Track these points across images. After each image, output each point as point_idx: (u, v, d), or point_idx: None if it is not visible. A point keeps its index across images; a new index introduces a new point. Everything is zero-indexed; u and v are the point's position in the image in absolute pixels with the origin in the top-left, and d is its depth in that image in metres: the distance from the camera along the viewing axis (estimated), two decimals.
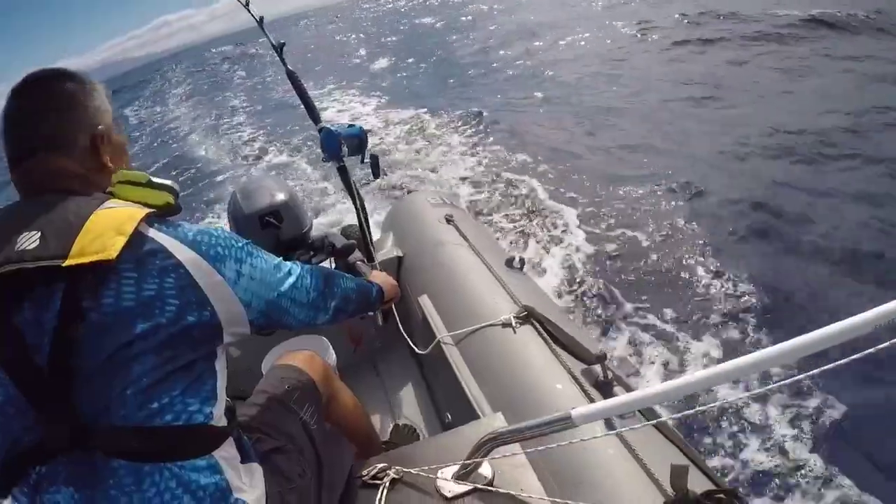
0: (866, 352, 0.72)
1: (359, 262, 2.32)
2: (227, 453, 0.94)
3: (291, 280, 1.13)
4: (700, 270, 4.41)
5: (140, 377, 0.84)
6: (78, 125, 1.01)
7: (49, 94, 1.00)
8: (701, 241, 4.84)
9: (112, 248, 0.83)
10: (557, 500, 1.19)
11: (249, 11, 2.47)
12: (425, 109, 10.82)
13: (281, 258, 1.15)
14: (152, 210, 0.93)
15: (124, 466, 0.83)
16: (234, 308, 0.98)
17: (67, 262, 0.81)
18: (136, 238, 0.87)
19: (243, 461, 0.99)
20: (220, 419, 0.94)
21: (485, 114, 9.60)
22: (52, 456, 0.82)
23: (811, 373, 0.77)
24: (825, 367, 0.74)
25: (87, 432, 0.81)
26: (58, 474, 0.82)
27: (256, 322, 1.04)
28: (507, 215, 5.77)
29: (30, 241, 0.83)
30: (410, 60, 18.40)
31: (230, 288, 0.97)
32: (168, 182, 1.02)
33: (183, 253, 0.91)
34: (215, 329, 0.95)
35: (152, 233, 0.91)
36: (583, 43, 14.59)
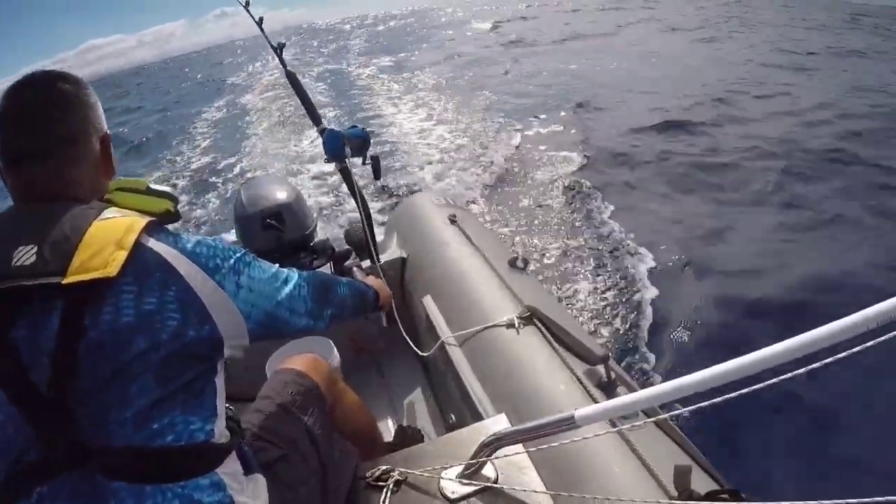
0: (867, 344, 0.71)
1: (355, 268, 2.32)
2: (229, 469, 0.92)
3: (288, 289, 1.11)
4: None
5: (139, 397, 0.81)
6: (90, 127, 0.99)
7: (58, 93, 0.96)
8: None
9: (113, 263, 0.80)
10: (562, 496, 1.19)
11: (248, 12, 2.48)
12: None
13: (278, 265, 1.13)
14: (152, 219, 0.90)
15: (125, 488, 0.80)
16: (234, 320, 0.96)
17: (67, 280, 0.78)
18: (136, 250, 0.84)
19: (246, 473, 0.97)
20: (221, 435, 0.92)
21: None
22: (54, 475, 0.79)
23: (811, 367, 0.76)
24: (827, 361, 0.74)
25: (86, 453, 0.79)
26: (60, 493, 0.80)
27: (255, 333, 1.01)
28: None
29: (26, 255, 0.80)
30: None
31: (231, 300, 0.95)
32: (167, 189, 1.00)
33: (183, 265, 0.88)
34: (216, 343, 0.92)
35: (152, 243, 0.88)
36: None
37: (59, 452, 0.79)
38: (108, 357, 0.80)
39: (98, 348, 0.79)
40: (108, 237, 0.83)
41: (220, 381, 0.95)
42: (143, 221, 0.88)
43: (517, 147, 8.11)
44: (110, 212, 0.89)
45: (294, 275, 1.15)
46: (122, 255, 0.81)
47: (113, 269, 0.80)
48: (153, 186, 0.98)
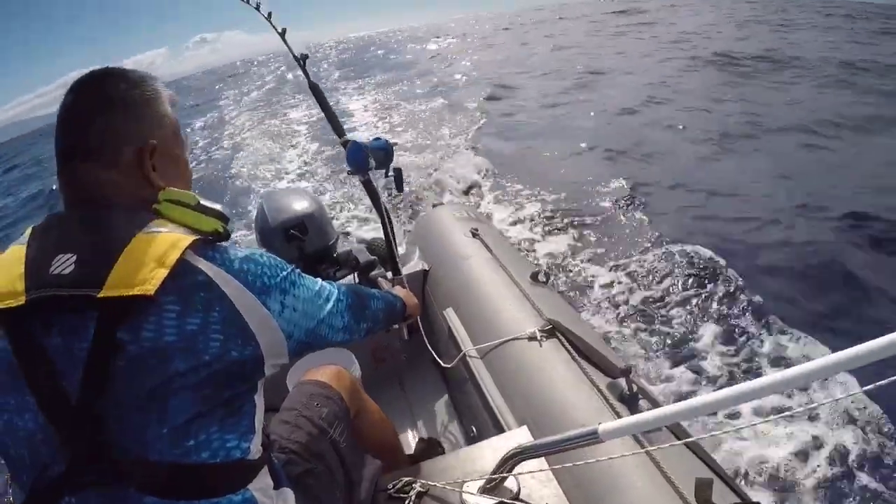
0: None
1: (381, 279, 2.33)
2: (261, 483, 0.91)
3: (329, 306, 1.08)
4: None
5: (177, 414, 0.80)
6: (126, 135, 0.92)
7: (103, 95, 0.92)
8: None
9: (152, 281, 0.78)
10: None
11: (271, 24, 2.50)
12: None
13: (320, 280, 1.11)
14: (198, 238, 0.87)
15: (157, 503, 0.79)
16: (276, 340, 0.93)
17: (103, 294, 0.76)
18: (181, 268, 0.81)
19: (276, 487, 0.96)
20: (256, 452, 0.91)
21: None
22: (81, 487, 0.78)
23: (841, 396, 0.75)
24: (859, 390, 0.73)
25: (116, 466, 0.78)
26: None
27: (294, 350, 0.99)
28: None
29: (65, 264, 0.79)
30: None
31: (274, 320, 0.92)
32: (217, 206, 0.95)
33: (229, 284, 0.86)
34: (258, 363, 0.90)
35: (198, 262, 0.85)
36: None
37: (86, 465, 0.77)
38: (147, 374, 0.78)
39: (137, 364, 0.78)
40: (151, 253, 0.81)
41: (259, 398, 0.94)
42: (188, 239, 0.84)
43: None
44: (156, 225, 0.86)
45: (335, 290, 1.13)
46: (162, 273, 0.79)
47: (151, 288, 0.77)
48: (203, 203, 0.93)
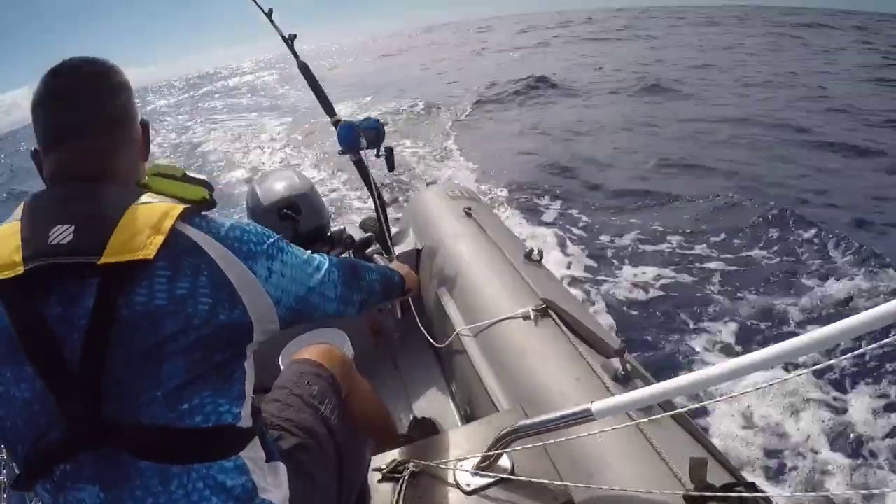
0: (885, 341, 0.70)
1: (376, 255, 2.32)
2: (253, 454, 0.93)
3: (320, 276, 1.12)
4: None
5: (171, 377, 0.82)
6: (133, 110, 1.02)
7: (105, 75, 0.99)
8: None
9: (150, 246, 0.82)
10: (579, 489, 1.19)
11: (257, 4, 2.47)
12: None
13: (310, 252, 1.14)
14: (188, 206, 0.92)
15: (151, 467, 0.81)
16: (264, 305, 0.96)
17: (103, 260, 0.80)
18: (172, 235, 0.85)
19: (268, 460, 0.98)
20: (246, 419, 0.93)
21: None
22: (77, 454, 0.80)
23: (829, 362, 0.76)
24: (845, 356, 0.73)
25: (113, 431, 0.80)
26: (82, 471, 0.81)
27: (285, 318, 1.02)
28: None
29: (63, 234, 0.82)
30: None
31: (261, 285, 0.95)
32: (202, 177, 1.01)
33: (215, 250, 0.90)
34: (247, 327, 0.93)
35: (187, 229, 0.89)
36: None
37: (85, 430, 0.79)
38: (141, 338, 0.81)
39: (130, 328, 0.81)
40: (146, 221, 0.85)
41: (249, 365, 0.97)
42: (179, 207, 0.89)
43: None
44: (147, 196, 0.91)
45: (325, 260, 1.16)
46: (160, 239, 0.83)
47: (150, 252, 0.82)
48: (189, 174, 1.00)
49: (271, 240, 1.02)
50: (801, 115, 9.53)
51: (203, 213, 0.95)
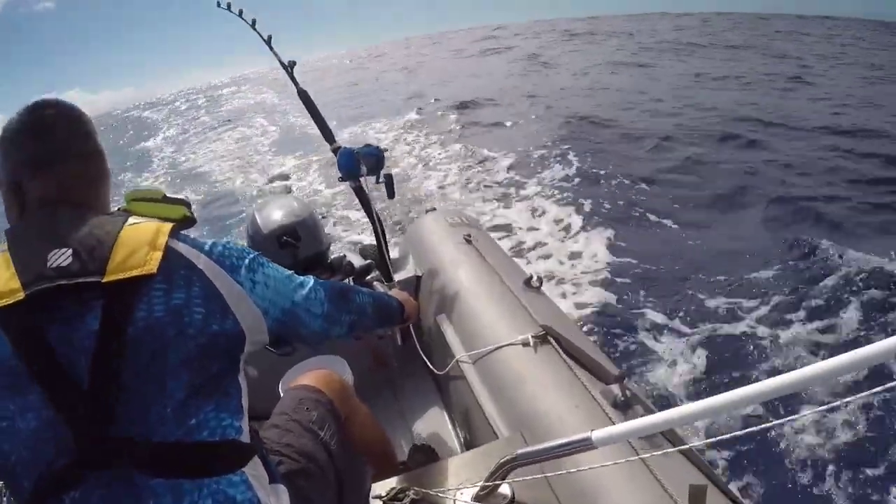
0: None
1: (376, 282, 2.32)
2: (256, 472, 0.94)
3: (304, 292, 1.17)
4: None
5: (175, 392, 0.85)
6: (102, 149, 1.07)
7: (79, 113, 1.06)
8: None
9: (151, 262, 0.86)
10: None
11: (256, 31, 2.50)
12: None
13: (292, 272, 1.19)
14: (174, 224, 0.96)
15: (162, 484, 0.82)
16: (253, 315, 1.01)
17: (107, 279, 0.83)
18: (166, 250, 0.90)
19: (270, 482, 0.98)
20: (246, 434, 0.95)
21: None
22: (86, 479, 0.80)
23: (837, 402, 0.75)
24: (855, 397, 0.73)
25: (126, 450, 0.81)
26: (91, 498, 0.80)
27: (274, 330, 1.06)
28: None
29: (62, 257, 0.83)
30: None
31: (248, 295, 1.00)
32: (180, 196, 1.07)
33: (204, 263, 0.95)
34: (239, 337, 0.97)
35: (177, 245, 0.94)
36: None
37: (97, 451, 0.80)
38: (146, 353, 0.83)
39: (136, 345, 0.83)
40: (141, 239, 0.89)
41: (243, 380, 0.99)
42: (168, 225, 0.94)
43: None
44: (133, 219, 0.96)
45: (310, 279, 1.21)
46: (158, 255, 0.88)
47: (153, 267, 0.86)
48: (169, 195, 1.05)
49: (252, 255, 1.07)
50: None
51: (185, 230, 1.01)
